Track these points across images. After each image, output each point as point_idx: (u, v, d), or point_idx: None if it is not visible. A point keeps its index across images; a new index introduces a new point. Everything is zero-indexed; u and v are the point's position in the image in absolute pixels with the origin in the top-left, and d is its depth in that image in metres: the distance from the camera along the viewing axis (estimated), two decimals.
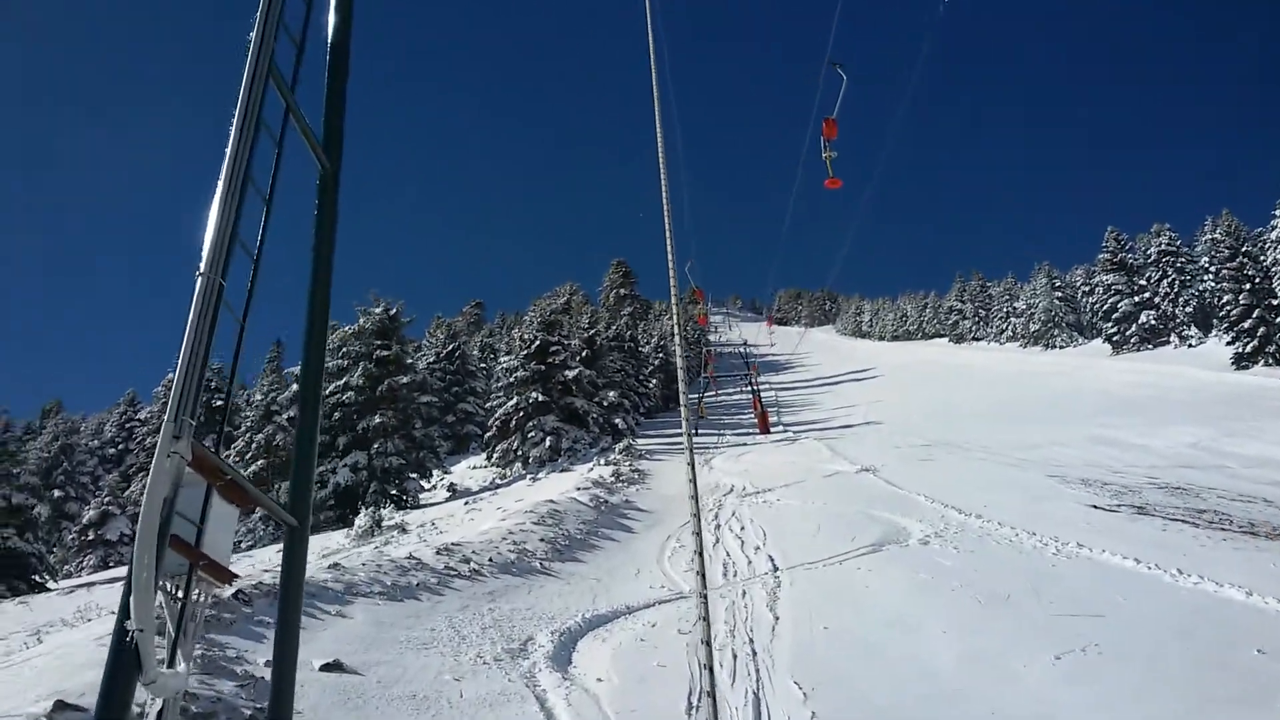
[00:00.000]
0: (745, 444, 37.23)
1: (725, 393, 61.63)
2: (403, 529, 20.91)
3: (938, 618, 9.52)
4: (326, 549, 20.33)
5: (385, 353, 34.27)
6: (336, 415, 33.67)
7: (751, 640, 9.16)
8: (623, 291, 68.48)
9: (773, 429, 41.24)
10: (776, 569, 12.81)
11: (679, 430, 38.69)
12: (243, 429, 35.89)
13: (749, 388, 49.47)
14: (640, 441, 36.20)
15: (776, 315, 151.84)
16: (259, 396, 35.68)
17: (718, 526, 17.41)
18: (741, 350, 66.23)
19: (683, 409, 7.29)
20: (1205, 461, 21.78)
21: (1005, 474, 21.93)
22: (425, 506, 30.62)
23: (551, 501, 17.62)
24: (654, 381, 53.84)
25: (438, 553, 11.57)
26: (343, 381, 33.84)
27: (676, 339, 8.51)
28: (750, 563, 13.55)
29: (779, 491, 22.00)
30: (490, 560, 11.83)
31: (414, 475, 34.05)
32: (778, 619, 9.91)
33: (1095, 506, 16.78)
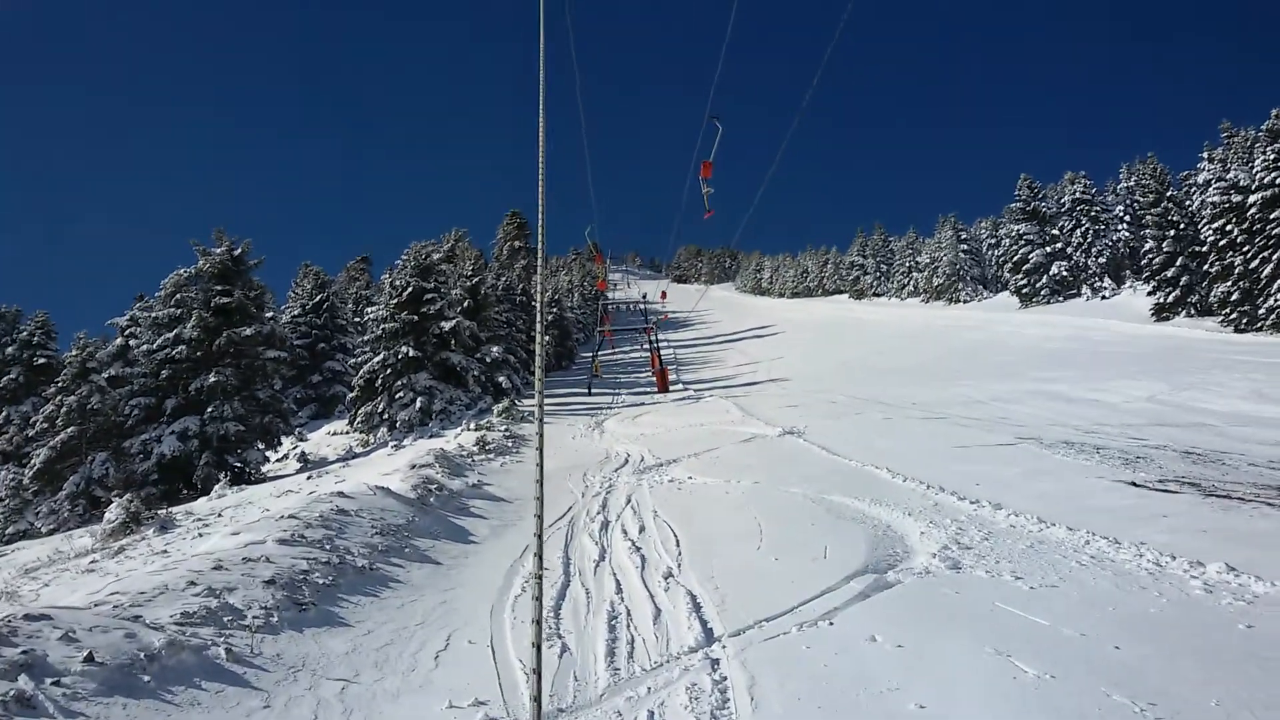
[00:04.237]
0: (643, 403, 31.10)
1: (622, 350, 55.53)
2: (164, 526, 13.58)
3: None
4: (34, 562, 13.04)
5: (226, 300, 26.52)
6: (164, 373, 26.13)
7: None
8: (517, 244, 60.77)
9: (672, 388, 35.59)
10: (712, 638, 6.09)
11: (572, 389, 32.13)
12: (53, 390, 27.77)
13: (647, 345, 44.16)
14: (526, 402, 29.57)
15: (677, 274, 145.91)
16: (74, 352, 27.57)
17: (605, 526, 10.59)
18: (641, 306, 60.36)
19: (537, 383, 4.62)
20: (1179, 419, 16.47)
21: (966, 437, 15.91)
22: (275, 479, 23.50)
23: (341, 495, 10.20)
24: (547, 337, 46.85)
25: None
26: (174, 333, 26.15)
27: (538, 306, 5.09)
28: (659, 614, 6.83)
29: (687, 464, 15.49)
30: (93, 661, 4.92)
31: (260, 444, 26.79)
32: None
33: (1134, 484, 10.82)
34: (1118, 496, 10.06)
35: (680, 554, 8.78)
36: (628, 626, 6.63)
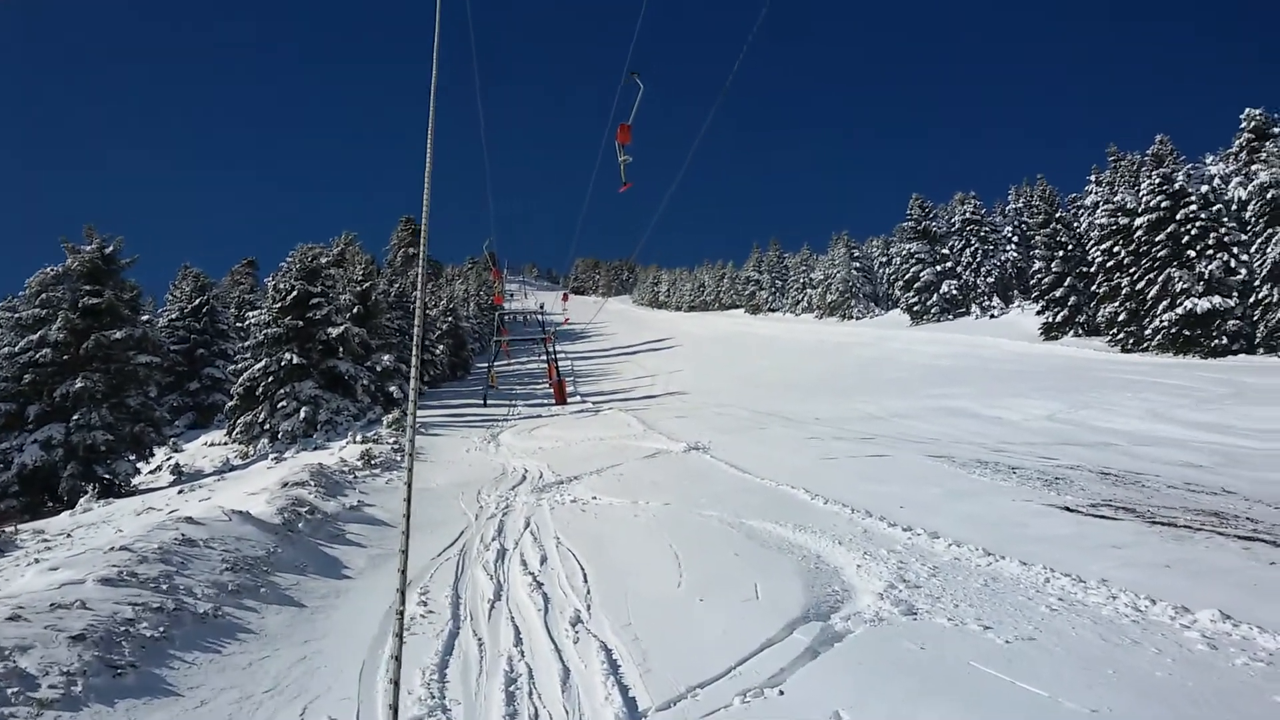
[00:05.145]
0: (540, 415, 29.75)
1: (519, 361, 54.01)
2: (1, 549, 11.63)
3: None
4: None
5: (96, 300, 24.15)
6: (27, 377, 23.61)
7: None
8: (411, 251, 58.57)
9: (570, 399, 34.55)
10: (635, 713, 4.66)
11: (466, 401, 30.41)
12: None
13: (543, 356, 42.94)
14: (420, 413, 27.92)
15: (574, 286, 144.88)
16: None
17: (501, 555, 9.17)
18: (538, 317, 59.11)
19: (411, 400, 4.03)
20: (1084, 438, 16.12)
21: (875, 453, 15.26)
22: (147, 491, 21.30)
23: (190, 521, 8.42)
24: (440, 347, 44.79)
25: None
26: (38, 335, 23.71)
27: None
28: (568, 676, 5.44)
29: (590, 481, 14.19)
30: None
31: (130, 455, 24.45)
32: None
33: (1068, 509, 10.06)
34: (1057, 523, 9.28)
35: (589, 592, 7.47)
36: (530, 694, 5.24)
